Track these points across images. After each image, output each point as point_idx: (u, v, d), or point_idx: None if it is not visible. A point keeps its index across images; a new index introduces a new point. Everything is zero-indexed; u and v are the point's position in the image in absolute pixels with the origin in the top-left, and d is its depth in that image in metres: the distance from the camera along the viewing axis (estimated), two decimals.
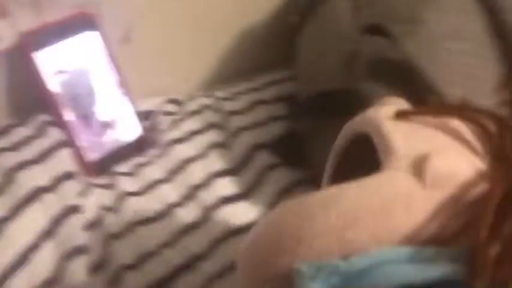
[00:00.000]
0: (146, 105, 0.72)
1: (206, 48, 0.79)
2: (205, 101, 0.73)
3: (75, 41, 0.63)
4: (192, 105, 0.72)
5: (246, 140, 0.66)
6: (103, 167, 0.64)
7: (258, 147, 0.65)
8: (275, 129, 0.68)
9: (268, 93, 0.75)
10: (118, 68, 0.66)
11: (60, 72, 0.62)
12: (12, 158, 0.57)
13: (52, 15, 0.62)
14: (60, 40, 0.62)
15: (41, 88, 0.61)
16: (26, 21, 0.60)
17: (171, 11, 0.72)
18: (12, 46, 0.60)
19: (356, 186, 0.28)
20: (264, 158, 0.64)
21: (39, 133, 0.61)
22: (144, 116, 0.70)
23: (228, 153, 0.65)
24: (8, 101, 0.64)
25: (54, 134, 0.61)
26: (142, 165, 0.63)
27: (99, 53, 0.65)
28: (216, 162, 0.63)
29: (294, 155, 0.64)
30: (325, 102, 0.60)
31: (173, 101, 0.74)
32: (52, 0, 0.61)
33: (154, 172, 0.62)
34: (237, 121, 0.69)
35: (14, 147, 0.58)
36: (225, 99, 0.73)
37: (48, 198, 0.54)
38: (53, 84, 0.61)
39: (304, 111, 0.64)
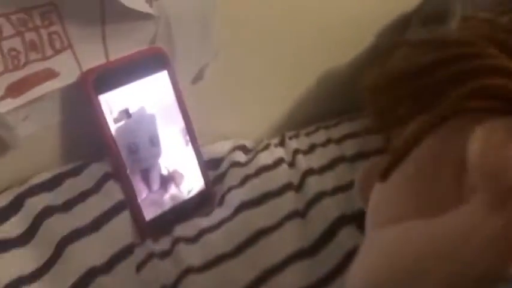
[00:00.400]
0: (209, 153, 0.63)
1: (281, 94, 0.69)
2: (280, 152, 0.63)
3: (142, 81, 0.54)
4: (265, 157, 0.62)
5: (328, 209, 0.56)
6: (162, 227, 0.56)
7: (342, 220, 0.55)
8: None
9: (348, 148, 0.65)
10: (186, 113, 0.57)
11: (123, 116, 0.53)
12: (63, 222, 0.48)
13: (119, 51, 0.53)
14: (127, 80, 0.53)
15: (100, 133, 0.52)
16: (90, 56, 0.52)
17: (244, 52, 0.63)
18: (72, 84, 0.51)
19: None
20: (349, 234, 0.54)
21: (95, 187, 0.53)
22: (209, 166, 0.62)
23: (307, 225, 0.55)
24: (62, 145, 0.55)
25: (112, 190, 0.53)
26: (206, 230, 0.54)
27: (167, 95, 0.56)
28: (293, 236, 0.54)
29: None
30: None
31: (241, 148, 0.65)
32: (120, 34, 0.52)
33: (220, 242, 0.53)
34: (315, 183, 0.59)
35: (66, 207, 0.50)
36: (299, 151, 0.63)
37: (104, 282, 0.46)
38: (114, 130, 0.52)
39: None
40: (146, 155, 0.55)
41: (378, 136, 0.67)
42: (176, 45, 0.55)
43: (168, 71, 0.56)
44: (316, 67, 0.70)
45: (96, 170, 0.54)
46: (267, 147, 0.64)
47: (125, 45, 0.53)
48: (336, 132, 0.67)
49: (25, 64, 0.47)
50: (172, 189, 0.57)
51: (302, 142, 0.65)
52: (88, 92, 0.51)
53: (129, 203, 0.54)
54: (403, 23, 0.71)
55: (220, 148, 0.64)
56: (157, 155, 0.56)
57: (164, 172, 0.56)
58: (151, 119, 0.55)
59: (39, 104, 0.49)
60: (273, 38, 0.64)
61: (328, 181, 0.60)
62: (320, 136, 0.67)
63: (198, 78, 0.59)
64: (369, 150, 0.65)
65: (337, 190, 0.59)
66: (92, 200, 0.52)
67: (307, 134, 0.67)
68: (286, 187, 0.58)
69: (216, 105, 0.65)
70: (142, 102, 0.54)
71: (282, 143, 0.66)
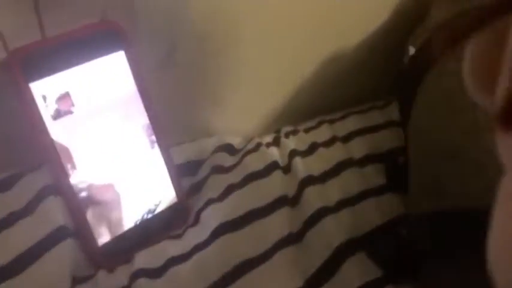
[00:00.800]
0: (186, 154, 0.50)
1: (277, 80, 0.56)
2: (273, 153, 0.50)
3: (89, 64, 0.41)
4: (254, 161, 0.49)
5: (331, 232, 0.44)
6: (120, 253, 0.43)
7: (349, 246, 0.43)
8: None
9: (357, 148, 0.52)
10: (150, 105, 0.44)
11: (66, 110, 0.40)
12: None
13: (59, 25, 0.40)
14: (68, 63, 0.40)
15: (33, 133, 0.39)
16: (18, 31, 0.39)
17: None
18: None
19: None
20: (358, 266, 0.42)
21: (28, 207, 0.40)
22: (185, 171, 0.49)
23: (304, 253, 0.43)
24: None
25: (51, 210, 0.40)
26: (175, 260, 0.42)
27: (124, 83, 0.43)
28: (285, 271, 0.41)
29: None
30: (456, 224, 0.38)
31: (226, 149, 0.52)
32: (60, 2, 0.39)
33: (190, 277, 0.41)
34: (316, 196, 0.46)
35: None
36: (297, 153, 0.50)
37: None
38: (52, 128, 0.39)
39: (418, 232, 0.42)
40: (96, 156, 0.42)
41: (392, 133, 0.55)
42: (139, 17, 0.42)
43: (125, 52, 0.42)
44: (319, 50, 0.57)
45: (30, 183, 0.41)
46: (257, 147, 0.51)
47: (66, 17, 0.40)
48: (342, 128, 0.55)
49: None
50: (134, 203, 0.44)
51: (301, 140, 0.52)
52: (15, 78, 0.38)
53: (76, 225, 0.41)
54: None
55: (200, 148, 0.52)
56: (110, 157, 0.43)
57: (123, 181, 0.43)
58: (105, 112, 0.42)
59: None
60: (274, 16, 0.51)
61: (331, 193, 0.47)
62: (323, 133, 0.54)
63: (166, 61, 0.45)
64: (381, 151, 0.52)
65: (342, 205, 0.46)
66: (24, 224, 0.39)
67: (307, 130, 0.54)
68: (279, 202, 0.46)
69: (195, 94, 0.52)
70: (90, 91, 0.41)
71: (276, 142, 0.53)
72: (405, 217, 0.45)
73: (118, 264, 0.43)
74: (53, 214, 0.40)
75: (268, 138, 0.53)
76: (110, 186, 0.42)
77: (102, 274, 0.41)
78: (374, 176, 0.49)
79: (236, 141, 0.54)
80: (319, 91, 0.59)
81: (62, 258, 0.39)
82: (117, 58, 0.42)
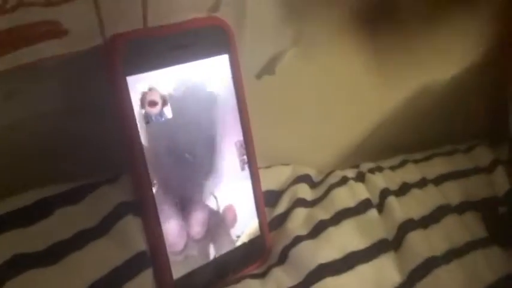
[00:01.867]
0: (264, 181, 0.44)
1: (357, 114, 0.51)
2: (361, 190, 0.44)
3: (192, 65, 0.35)
4: (343, 196, 0.43)
5: (444, 286, 0.37)
6: None
7: None
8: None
9: (451, 193, 0.47)
10: (247, 120, 0.38)
11: (159, 113, 0.34)
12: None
13: (163, 16, 0.34)
14: (170, 59, 0.34)
15: (121, 134, 0.33)
16: (120, 15, 0.33)
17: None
18: (86, 51, 0.32)
19: None
20: None
21: (100, 227, 0.33)
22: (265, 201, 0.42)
23: None
24: (55, 150, 0.36)
25: (128, 232, 0.33)
26: None
27: (225, 90, 0.37)
28: None
29: None
30: None
31: (305, 180, 0.46)
32: None
33: None
34: (420, 243, 0.40)
35: (48, 256, 0.31)
36: (389, 192, 0.45)
37: None
38: (144, 131, 0.33)
39: None
40: (189, 175, 0.35)
41: (482, 180, 0.50)
42: (247, 20, 0.37)
43: (230, 56, 0.37)
44: (402, 86, 0.52)
45: (104, 197, 0.34)
46: (344, 181, 0.45)
47: (173, 7, 0.34)
48: (430, 170, 0.50)
49: (16, 7, 0.28)
50: (215, 234, 0.37)
51: (389, 179, 0.47)
52: (112, 67, 0.32)
53: (153, 252, 0.34)
54: None
55: (276, 176, 0.46)
56: (206, 174, 0.36)
57: (213, 206, 0.37)
58: (202, 119, 0.36)
59: (31, 76, 0.30)
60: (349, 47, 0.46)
61: (436, 241, 0.41)
62: (411, 173, 0.49)
63: (266, 71, 0.40)
64: (477, 199, 0.47)
65: (451, 255, 0.40)
66: (98, 245, 0.32)
67: (393, 168, 0.49)
68: (381, 245, 0.40)
69: (273, 117, 0.46)
70: (189, 94, 0.35)
71: (360, 177, 0.47)
72: None
73: None
74: (132, 237, 0.33)
75: (351, 173, 0.48)
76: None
77: None
78: (474, 225, 0.44)
79: (312, 172, 0.48)
80: (399, 129, 0.54)
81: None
82: (220, 62, 0.37)
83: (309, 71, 0.44)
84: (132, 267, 0.32)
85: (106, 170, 0.37)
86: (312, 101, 0.48)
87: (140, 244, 0.33)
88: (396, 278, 0.37)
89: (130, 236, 0.33)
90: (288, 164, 0.48)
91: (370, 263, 0.38)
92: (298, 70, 0.43)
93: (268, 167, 0.46)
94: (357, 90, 0.50)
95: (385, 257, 0.39)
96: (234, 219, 0.38)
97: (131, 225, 0.33)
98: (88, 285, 0.31)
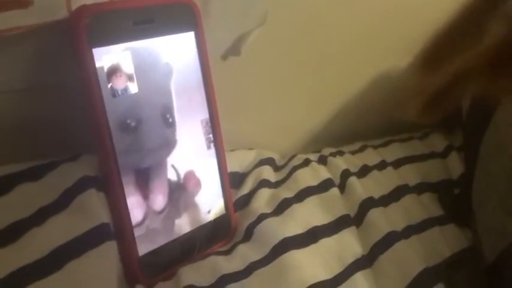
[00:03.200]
0: (230, 164, 0.44)
1: (320, 100, 0.52)
2: (323, 171, 0.46)
3: (158, 40, 0.35)
4: (306, 176, 0.44)
5: (406, 260, 0.39)
6: (161, 267, 0.36)
7: (427, 274, 0.38)
8: None
9: (409, 175, 0.49)
10: (213, 99, 0.39)
11: (124, 87, 0.34)
12: None
13: None
14: (136, 33, 0.34)
15: (86, 108, 0.33)
16: None
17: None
18: (51, 23, 0.32)
19: None
20: None
21: (61, 201, 0.33)
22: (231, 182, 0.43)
23: (379, 279, 0.38)
24: (19, 126, 0.35)
25: (90, 206, 0.33)
26: (228, 278, 0.35)
27: (190, 68, 0.38)
28: None
29: None
30: None
31: (269, 163, 0.47)
32: None
33: None
34: (381, 219, 0.41)
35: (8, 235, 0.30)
36: (350, 173, 0.46)
37: None
38: (108, 104, 0.33)
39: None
40: (154, 141, 0.35)
41: (438, 164, 0.52)
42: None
43: (196, 33, 0.37)
44: (362, 74, 0.54)
45: (66, 173, 0.34)
46: (307, 163, 0.46)
47: None
48: (389, 154, 0.51)
49: None
50: (181, 211, 0.37)
51: (350, 162, 0.48)
52: (77, 39, 0.32)
53: (117, 229, 0.34)
54: None
55: (241, 159, 0.46)
56: (170, 149, 0.36)
57: (173, 177, 0.37)
58: (167, 94, 0.36)
59: None
60: (317, 32, 0.47)
61: (396, 218, 0.43)
62: (371, 156, 0.50)
63: (232, 51, 0.40)
64: (433, 181, 0.49)
65: (410, 231, 0.42)
66: (55, 221, 0.32)
67: (353, 153, 0.50)
68: (343, 221, 0.41)
69: (237, 102, 0.47)
70: (155, 69, 0.35)
71: (322, 160, 0.48)
72: (473, 252, 0.42)
73: (158, 280, 0.36)
74: (94, 209, 0.33)
75: (313, 157, 0.49)
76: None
77: None
78: (432, 204, 0.46)
79: (276, 156, 0.49)
80: (359, 116, 0.55)
81: (109, 260, 0.32)
82: (186, 39, 0.37)
83: (274, 53, 0.45)
84: (94, 236, 0.32)
85: (67, 150, 0.37)
86: (276, 85, 0.49)
87: (103, 216, 0.33)
88: (358, 250, 0.38)
89: (92, 208, 0.33)
90: (251, 149, 0.48)
91: (333, 237, 0.39)
92: (264, 52, 0.44)
93: (232, 150, 0.47)
94: (321, 76, 0.51)
95: (347, 231, 0.40)
96: (197, 185, 0.38)
97: (93, 198, 0.33)
98: (47, 253, 0.30)
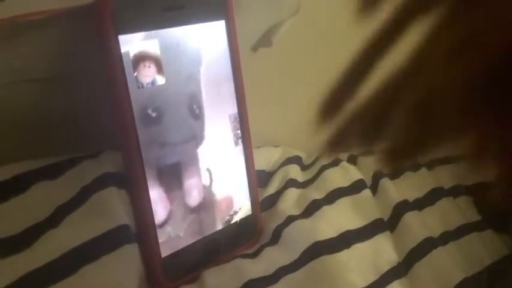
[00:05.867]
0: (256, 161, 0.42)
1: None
2: (353, 171, 0.43)
3: (187, 28, 0.33)
4: (335, 176, 0.42)
5: (442, 266, 0.36)
6: (185, 269, 0.34)
7: (466, 284, 0.36)
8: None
9: (444, 177, 0.47)
10: (242, 94, 0.37)
11: (152, 77, 0.32)
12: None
13: None
14: (165, 21, 0.32)
15: (110, 99, 0.31)
16: None
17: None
18: (73, 9, 0.30)
19: None
20: None
21: (80, 196, 0.31)
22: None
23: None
24: (37, 122, 0.33)
25: (111, 202, 0.31)
26: (256, 284, 0.33)
27: (221, 58, 0.35)
28: None
29: None
30: None
31: (296, 161, 0.44)
32: None
33: None
34: (417, 224, 0.39)
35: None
36: (383, 174, 0.43)
37: None
38: (134, 95, 0.31)
39: None
40: (180, 134, 0.33)
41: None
42: None
43: (227, 22, 0.35)
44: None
45: (85, 171, 0.32)
46: (336, 162, 0.44)
47: None
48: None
49: None
50: (207, 213, 0.35)
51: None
52: (102, 25, 0.29)
53: (139, 228, 0.32)
54: None
55: (267, 156, 0.44)
56: (198, 144, 0.34)
57: (206, 181, 0.35)
58: (195, 86, 0.34)
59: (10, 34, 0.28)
60: (351, 27, 0.45)
61: (432, 223, 0.40)
62: None
63: (263, 43, 0.38)
64: (468, 184, 0.46)
65: (447, 237, 0.39)
66: (70, 221, 0.30)
67: None
68: (377, 225, 0.38)
69: (264, 96, 0.44)
70: (184, 59, 0.33)
71: (352, 160, 0.46)
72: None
73: (181, 283, 0.34)
74: (113, 208, 0.31)
75: (342, 156, 0.46)
76: (198, 183, 0.33)
77: None
78: (468, 209, 0.43)
79: (302, 155, 0.47)
80: None
81: (128, 264, 0.30)
82: (217, 28, 0.35)
83: (306, 46, 0.43)
84: (112, 239, 0.30)
85: (89, 146, 0.35)
86: (305, 80, 0.46)
87: (122, 217, 0.31)
88: (393, 257, 0.36)
89: (111, 208, 0.31)
90: (277, 146, 0.46)
91: (367, 242, 0.36)
92: (295, 45, 0.41)
93: (257, 148, 0.45)
94: None
95: (381, 236, 0.37)
96: (230, 203, 0.36)
97: (113, 196, 0.31)
98: (59, 256, 0.28)
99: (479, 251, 0.39)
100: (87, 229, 0.30)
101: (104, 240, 0.30)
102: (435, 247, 0.37)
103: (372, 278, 0.34)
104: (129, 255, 0.30)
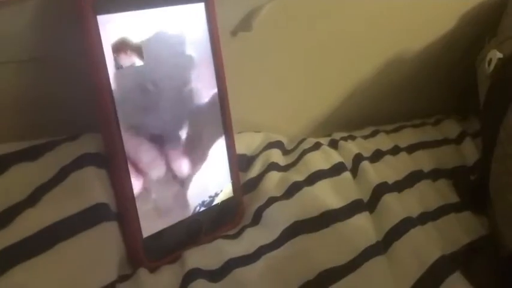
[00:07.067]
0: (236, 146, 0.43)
1: (331, 85, 0.50)
2: (334, 155, 0.44)
3: (167, 11, 0.34)
4: (317, 159, 0.43)
5: (421, 247, 0.37)
6: (166, 249, 0.34)
7: (443, 262, 0.36)
8: None
9: (423, 161, 0.47)
10: (222, 75, 0.37)
11: (131, 59, 0.32)
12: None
13: None
14: (145, 2, 0.32)
15: (90, 79, 0.31)
16: None
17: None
18: None
19: None
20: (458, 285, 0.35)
21: (58, 175, 0.31)
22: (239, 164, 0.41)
23: (394, 267, 0.36)
24: (20, 103, 0.33)
25: (89, 181, 0.31)
26: (236, 263, 0.34)
27: (200, 40, 0.36)
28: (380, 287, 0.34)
29: None
30: None
31: (278, 146, 0.45)
32: None
33: (261, 285, 0.33)
34: (396, 205, 0.40)
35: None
36: (362, 157, 0.44)
37: None
38: (115, 77, 0.31)
39: None
40: (162, 116, 0.34)
41: (451, 150, 0.50)
42: None
43: (206, 4, 0.35)
44: (375, 58, 0.52)
45: (64, 153, 0.32)
46: (317, 146, 0.44)
47: None
48: (401, 139, 0.50)
49: None
50: (187, 190, 0.36)
51: (362, 146, 0.47)
52: (80, 6, 0.30)
53: (120, 206, 0.32)
54: None
55: (248, 141, 0.44)
56: (178, 126, 0.34)
57: (181, 164, 0.35)
58: (175, 68, 0.34)
59: None
60: (330, 13, 0.45)
61: (412, 204, 0.41)
62: (383, 141, 0.48)
63: (243, 27, 0.39)
64: (448, 167, 0.47)
65: (425, 218, 0.40)
66: (48, 199, 0.30)
67: (365, 137, 0.49)
68: (356, 205, 0.39)
69: (245, 81, 0.45)
70: (163, 41, 0.33)
71: (333, 145, 0.46)
72: (492, 239, 0.40)
73: (162, 263, 0.34)
74: (91, 187, 0.31)
75: (323, 141, 0.47)
76: (183, 159, 0.34)
77: (143, 273, 0.32)
78: (447, 191, 0.44)
79: (284, 140, 0.47)
80: (370, 101, 0.53)
81: (106, 242, 0.30)
82: (196, 10, 0.35)
83: (286, 32, 0.43)
84: (89, 216, 0.30)
85: (68, 129, 0.35)
86: (286, 65, 0.47)
87: (100, 195, 0.31)
88: (372, 236, 0.37)
89: (89, 186, 0.31)
90: (259, 131, 0.47)
91: (346, 222, 0.37)
92: (275, 30, 0.42)
93: (239, 133, 0.45)
94: (332, 59, 0.49)
95: (360, 216, 0.38)
96: (211, 185, 0.36)
97: (91, 176, 0.31)
98: (35, 232, 0.28)
99: (457, 231, 0.40)
100: (64, 207, 0.30)
101: (82, 218, 0.30)
102: (413, 226, 0.37)
103: (350, 256, 0.35)
104: (107, 233, 0.31)
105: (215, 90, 0.37)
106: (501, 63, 0.42)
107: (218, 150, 0.37)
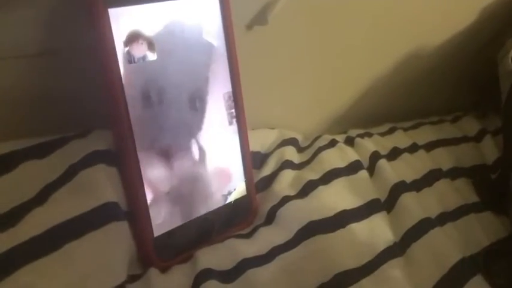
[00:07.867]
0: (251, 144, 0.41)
1: (347, 82, 0.49)
2: (350, 153, 0.43)
3: (180, 3, 0.33)
4: (332, 157, 0.42)
5: (440, 247, 0.36)
6: (177, 249, 0.34)
7: (463, 265, 0.35)
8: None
9: (442, 159, 0.46)
10: (236, 72, 0.36)
11: (143, 53, 0.31)
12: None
13: None
14: None
15: (104, 74, 0.30)
16: None
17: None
18: None
19: None
20: None
21: (67, 173, 0.30)
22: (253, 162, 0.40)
23: (412, 269, 0.35)
24: (29, 99, 0.33)
25: (98, 179, 0.30)
26: (249, 263, 0.33)
27: (214, 33, 0.35)
28: None
29: None
30: None
31: (292, 143, 0.44)
32: None
33: (277, 281, 0.32)
34: (414, 205, 0.38)
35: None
36: (380, 156, 0.43)
37: None
38: (124, 71, 0.30)
39: None
40: (172, 122, 0.33)
41: (471, 148, 0.49)
42: None
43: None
44: (392, 55, 0.50)
45: (74, 150, 0.31)
46: (333, 144, 0.43)
47: None
48: (419, 137, 0.48)
49: None
50: (200, 190, 0.35)
51: (379, 144, 0.45)
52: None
53: (131, 207, 0.32)
54: None
55: (262, 138, 0.43)
56: (191, 122, 0.34)
57: (200, 159, 0.34)
58: (188, 63, 0.33)
59: None
60: (347, 9, 0.44)
61: (430, 204, 0.40)
62: (401, 139, 0.47)
63: (258, 20, 0.37)
64: (467, 166, 0.46)
65: (445, 218, 0.39)
66: (56, 198, 0.29)
67: (382, 135, 0.47)
68: (373, 205, 0.38)
69: (259, 76, 0.44)
70: (176, 35, 0.32)
71: (349, 142, 0.45)
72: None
73: (173, 263, 0.33)
74: (99, 186, 0.30)
75: (339, 138, 0.46)
76: (191, 162, 0.33)
77: (154, 273, 0.31)
78: (466, 191, 0.43)
79: (299, 137, 0.46)
80: (386, 97, 0.52)
81: (116, 242, 0.29)
82: (210, 3, 0.34)
83: (302, 26, 0.42)
84: (98, 216, 0.29)
85: (79, 125, 0.34)
86: (302, 61, 0.46)
87: (110, 194, 0.30)
88: (390, 237, 0.36)
89: (98, 185, 0.30)
90: (273, 128, 0.46)
91: (363, 222, 0.36)
92: (291, 24, 0.40)
93: (253, 130, 0.44)
94: (348, 55, 0.48)
95: (377, 216, 0.37)
96: (228, 176, 0.35)
97: (101, 174, 0.31)
98: (43, 232, 0.28)
99: (477, 232, 0.39)
100: (73, 206, 0.29)
101: (90, 217, 0.29)
102: (432, 227, 0.36)
103: (366, 258, 0.34)
104: (117, 233, 0.30)
105: (229, 85, 0.36)
106: None
107: (231, 147, 0.36)
